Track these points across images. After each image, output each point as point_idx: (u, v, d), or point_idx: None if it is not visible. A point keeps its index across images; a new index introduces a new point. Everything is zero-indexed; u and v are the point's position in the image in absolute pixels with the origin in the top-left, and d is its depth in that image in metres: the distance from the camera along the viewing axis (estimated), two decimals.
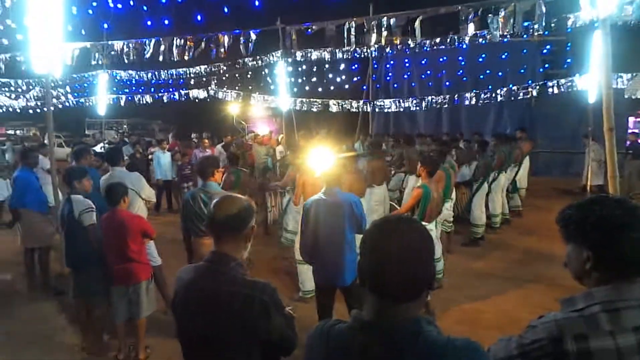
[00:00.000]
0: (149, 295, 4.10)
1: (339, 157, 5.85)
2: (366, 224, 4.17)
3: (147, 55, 6.48)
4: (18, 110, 16.78)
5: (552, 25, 6.90)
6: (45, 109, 6.56)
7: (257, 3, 5.50)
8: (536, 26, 5.01)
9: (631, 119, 17.59)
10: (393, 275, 1.16)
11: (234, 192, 6.10)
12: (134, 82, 14.40)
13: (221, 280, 1.75)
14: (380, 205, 7.10)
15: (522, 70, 14.74)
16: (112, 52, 6.51)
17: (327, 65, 15.12)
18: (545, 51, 15.16)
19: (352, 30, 5.61)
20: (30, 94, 15.49)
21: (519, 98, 10.20)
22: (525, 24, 5.53)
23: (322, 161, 5.05)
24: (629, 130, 13.90)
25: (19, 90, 15.14)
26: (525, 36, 5.73)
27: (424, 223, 4.99)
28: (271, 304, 1.74)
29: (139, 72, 13.20)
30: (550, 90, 8.89)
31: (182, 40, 6.11)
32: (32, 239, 5.71)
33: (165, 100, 13.84)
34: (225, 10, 5.62)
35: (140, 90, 15.97)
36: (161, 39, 6.18)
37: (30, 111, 16.65)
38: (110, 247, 3.98)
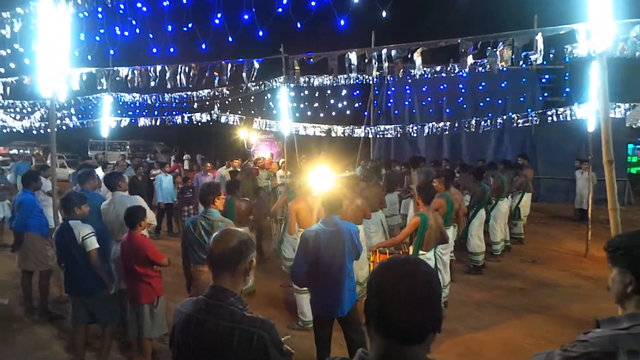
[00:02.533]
0: (153, 318, 4.13)
1: (339, 182, 5.88)
2: (362, 251, 4.16)
3: (153, 84, 6.60)
4: (22, 131, 16.94)
5: (551, 55, 7.02)
6: (49, 130, 6.64)
7: (260, 33, 5.61)
8: (534, 57, 5.11)
9: (631, 147, 17.77)
10: (400, 317, 1.15)
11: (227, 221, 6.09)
12: (137, 104, 14.58)
13: (220, 316, 1.75)
14: (376, 232, 7.06)
15: (522, 99, 14.91)
16: (117, 78, 6.63)
17: (329, 91, 15.33)
18: (544, 80, 15.38)
19: (354, 60, 5.73)
20: (35, 115, 15.66)
21: (519, 126, 10.30)
22: (524, 53, 5.65)
23: (322, 185, 5.08)
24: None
25: (24, 111, 15.32)
26: (524, 65, 5.82)
27: (421, 252, 4.97)
28: (270, 341, 1.74)
29: (142, 95, 13.38)
30: (549, 119, 8.97)
31: (187, 68, 6.23)
32: (33, 262, 5.67)
33: (168, 124, 13.99)
34: (230, 39, 5.74)
35: (144, 113, 16.16)
36: (166, 66, 6.31)
37: (34, 132, 16.80)
38: (124, 267, 4.17)
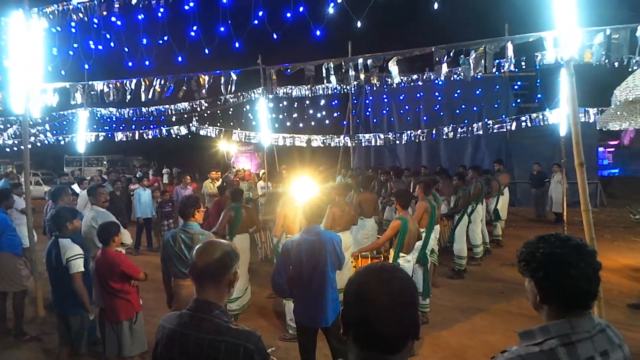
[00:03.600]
0: (133, 335, 4.04)
1: (320, 191, 5.92)
2: (344, 261, 4.17)
3: (129, 97, 6.51)
4: None
5: (522, 63, 7.24)
6: (22, 147, 6.49)
7: (237, 45, 5.62)
8: (506, 65, 5.26)
9: (601, 149, 18.36)
10: (378, 326, 1.14)
11: (235, 228, 6.09)
12: (114, 119, 14.37)
13: (205, 329, 1.73)
14: (368, 239, 7.13)
15: (496, 105, 15.29)
16: (92, 92, 6.52)
17: (307, 102, 15.41)
18: (516, 87, 15.81)
19: (331, 70, 5.79)
20: (8, 133, 15.27)
21: (495, 132, 10.55)
22: (496, 61, 5.82)
23: (303, 194, 5.11)
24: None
25: None
26: (497, 73, 5.99)
27: (402, 254, 5.02)
28: (256, 352, 1.72)
29: (119, 110, 13.20)
30: (523, 124, 9.22)
31: (163, 81, 6.18)
32: (7, 282, 5.49)
33: (146, 138, 13.80)
34: (206, 51, 5.73)
35: (121, 127, 15.93)
36: (142, 79, 6.25)
37: (7, 149, 16.36)
38: (99, 284, 4.04)
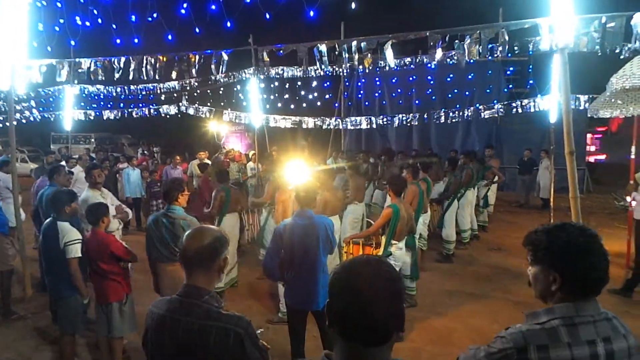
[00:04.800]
0: (122, 316, 4.06)
1: (313, 174, 5.91)
2: (336, 245, 4.19)
3: (117, 75, 6.36)
4: None
5: (515, 47, 7.19)
6: (7, 124, 6.36)
7: (229, 24, 5.49)
8: (500, 49, 5.23)
9: (589, 136, 18.51)
10: (362, 319, 1.14)
11: (225, 209, 6.09)
12: (102, 97, 14.09)
13: (195, 314, 1.73)
14: (358, 222, 7.17)
15: (488, 90, 15.27)
16: (80, 70, 6.36)
17: (299, 83, 15.23)
18: (509, 72, 15.79)
19: (324, 52, 5.71)
20: None
21: (486, 117, 10.58)
22: (490, 46, 5.79)
23: (296, 177, 5.10)
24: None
25: None
26: (490, 57, 5.95)
27: (394, 241, 5.05)
28: (246, 337, 1.73)
29: (107, 87, 12.93)
30: (514, 110, 9.24)
31: (153, 59, 6.04)
32: None
33: (135, 116, 13.57)
34: (197, 30, 5.58)
35: (109, 105, 15.63)
36: (131, 58, 6.09)
37: None
38: (90, 265, 4.04)
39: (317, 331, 4.07)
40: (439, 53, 5.09)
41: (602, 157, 27.83)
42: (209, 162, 11.07)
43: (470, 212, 8.75)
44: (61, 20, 5.96)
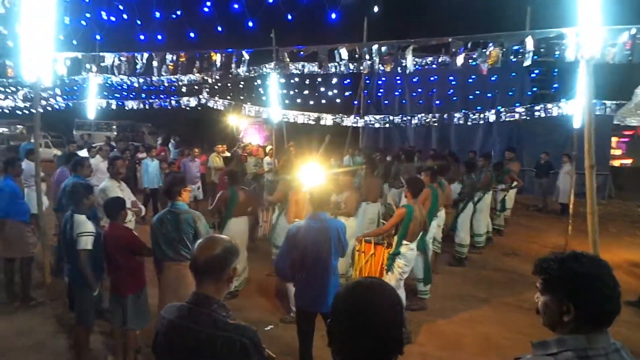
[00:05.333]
0: (137, 309, 4.13)
1: (328, 176, 5.91)
2: (348, 248, 4.20)
3: (140, 70, 6.46)
4: (7, 111, 16.55)
5: (541, 49, 7.04)
6: (33, 110, 6.50)
7: (250, 24, 5.52)
8: (523, 59, 5.14)
9: (614, 139, 18.01)
10: (363, 343, 1.17)
11: (230, 211, 6.08)
12: (125, 87, 14.33)
13: (203, 323, 1.77)
14: (373, 223, 7.17)
15: (511, 93, 15.00)
16: (103, 64, 6.48)
17: (319, 79, 15.22)
18: (533, 75, 15.44)
19: (344, 55, 5.70)
20: (19, 95, 15.30)
21: (507, 120, 10.41)
22: (515, 47, 5.69)
23: (311, 179, 5.10)
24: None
25: (8, 90, 14.94)
26: (513, 60, 5.85)
27: (405, 242, 5.03)
28: (252, 347, 1.77)
29: (130, 77, 13.13)
30: (537, 113, 9.07)
31: (175, 56, 6.11)
32: (14, 249, 5.61)
33: (155, 107, 13.78)
34: (219, 28, 5.62)
35: (132, 95, 15.88)
36: (153, 54, 6.17)
37: (19, 112, 16.43)
38: (107, 258, 4.11)
39: (325, 330, 4.09)
40: (460, 59, 5.03)
41: (629, 161, 27.10)
42: (229, 155, 11.18)
43: (487, 217, 8.65)
44: (87, 15, 6.08)
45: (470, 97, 15.38)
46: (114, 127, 28.48)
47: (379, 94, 17.63)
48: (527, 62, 5.19)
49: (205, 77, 11.57)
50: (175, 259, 3.93)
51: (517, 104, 11.79)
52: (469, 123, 10.43)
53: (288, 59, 6.58)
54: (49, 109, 15.97)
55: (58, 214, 6.03)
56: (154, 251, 4.10)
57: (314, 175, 5.24)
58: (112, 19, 6.07)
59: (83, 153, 10.64)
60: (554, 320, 1.53)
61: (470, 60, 7.59)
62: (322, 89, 16.10)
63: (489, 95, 15.30)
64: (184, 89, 14.04)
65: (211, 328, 1.76)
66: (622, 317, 1.53)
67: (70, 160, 6.63)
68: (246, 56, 6.30)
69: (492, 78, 14.73)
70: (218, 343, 1.73)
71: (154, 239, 4.04)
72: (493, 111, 9.83)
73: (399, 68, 7.43)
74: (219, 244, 1.87)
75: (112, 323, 4.31)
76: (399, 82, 16.91)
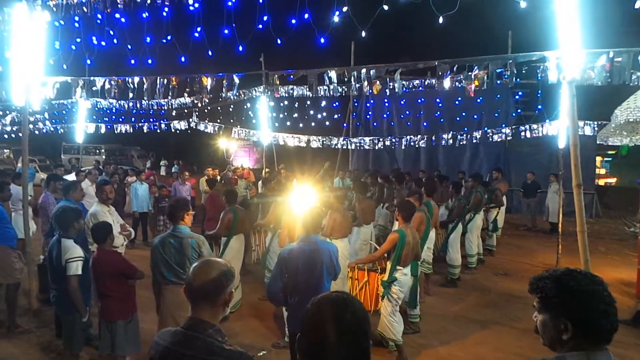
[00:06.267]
0: (127, 335, 4.04)
1: (319, 198, 5.91)
2: (340, 271, 4.18)
3: (131, 95, 6.51)
4: None
5: (523, 72, 7.25)
6: (20, 134, 6.46)
7: (240, 48, 5.62)
8: (506, 81, 5.28)
9: (598, 158, 18.38)
10: (328, 356, 1.21)
11: (233, 230, 6.06)
12: (114, 110, 14.33)
13: (198, 349, 1.75)
14: (367, 244, 7.16)
15: (497, 114, 15.32)
16: (94, 88, 6.50)
17: (308, 102, 15.39)
18: (517, 97, 15.82)
19: (333, 79, 5.81)
20: (7, 119, 15.21)
21: (493, 141, 10.60)
22: (498, 70, 5.84)
23: (302, 202, 5.09)
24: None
25: None
26: (498, 82, 5.99)
27: (399, 267, 5.01)
28: None
29: (119, 102, 13.16)
30: (522, 134, 9.25)
31: (165, 80, 6.16)
32: (0, 275, 5.50)
33: (145, 131, 13.78)
34: (209, 52, 5.72)
35: (121, 119, 15.88)
36: (144, 78, 6.22)
37: (6, 135, 16.30)
38: (96, 283, 4.03)
39: None
40: (447, 82, 5.15)
41: (613, 180, 27.61)
42: (218, 178, 11.16)
43: (478, 237, 8.69)
44: (78, 39, 6.13)
45: (457, 118, 15.66)
46: (103, 150, 28.39)
47: (368, 117, 17.88)
48: (511, 84, 5.33)
49: (196, 101, 11.69)
50: (174, 282, 3.90)
51: (503, 125, 12.03)
52: (457, 145, 10.58)
53: (278, 82, 6.67)
54: (37, 132, 15.87)
55: (48, 239, 5.94)
56: (154, 273, 4.05)
57: (305, 197, 5.24)
58: (103, 43, 6.14)
59: (71, 177, 10.56)
60: (553, 339, 1.53)
61: (456, 83, 7.78)
62: (312, 112, 16.28)
63: (476, 117, 15.60)
64: (174, 113, 14.09)
65: (206, 354, 1.73)
66: (617, 337, 1.53)
67: (49, 183, 6.59)
68: (236, 80, 6.37)
69: (478, 100, 15.05)
70: None
71: (155, 262, 4.00)
72: (480, 132, 9.99)
73: (387, 90, 7.61)
74: (214, 268, 1.86)
75: (100, 350, 4.20)
76: (387, 104, 17.18)
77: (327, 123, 16.23)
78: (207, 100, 11.92)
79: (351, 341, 1.23)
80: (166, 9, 5.24)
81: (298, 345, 1.28)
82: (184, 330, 1.80)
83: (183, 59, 5.83)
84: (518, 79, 6.16)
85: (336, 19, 5.15)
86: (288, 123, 16.12)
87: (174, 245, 3.96)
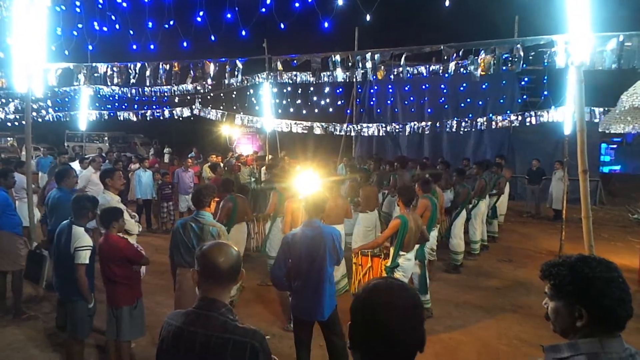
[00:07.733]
0: (132, 320, 4.08)
1: (322, 183, 5.91)
2: (343, 256, 4.18)
3: (133, 80, 6.46)
4: None
5: (530, 57, 7.15)
6: (24, 122, 6.45)
7: (243, 33, 5.54)
8: (513, 66, 5.20)
9: (604, 146, 18.25)
10: (387, 346, 1.17)
11: (233, 219, 6.06)
12: (117, 97, 14.29)
13: (212, 327, 1.77)
14: (372, 230, 7.16)
15: (502, 100, 15.16)
16: (96, 74, 6.46)
17: (312, 88, 15.31)
18: (523, 82, 15.64)
19: (337, 63, 5.73)
20: (10, 107, 15.19)
21: (498, 127, 10.50)
22: (504, 55, 5.76)
23: (305, 187, 5.09)
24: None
25: None
26: (504, 68, 5.91)
27: (402, 252, 5.01)
28: (261, 351, 1.77)
29: (122, 89, 13.11)
30: (527, 121, 9.16)
31: (168, 66, 6.11)
32: (6, 262, 5.54)
33: (148, 118, 13.74)
34: (212, 37, 5.64)
35: (124, 106, 15.83)
36: (146, 64, 6.17)
37: (9, 124, 16.30)
38: (102, 269, 4.06)
39: (323, 341, 4.07)
40: (452, 66, 5.09)
41: (617, 167, 27.46)
42: (221, 163, 11.15)
43: (482, 223, 8.68)
44: (79, 25, 6.07)
45: (462, 105, 15.52)
46: (106, 138, 28.36)
47: (371, 103, 17.75)
48: (518, 69, 5.24)
49: (199, 87, 11.63)
50: (193, 265, 3.91)
51: (508, 112, 11.91)
52: (461, 131, 10.49)
53: (281, 67, 6.60)
54: (40, 120, 15.86)
55: (44, 225, 5.94)
56: (173, 255, 4.08)
57: (308, 183, 5.23)
58: (104, 29, 6.08)
59: (75, 164, 10.57)
60: (566, 326, 1.51)
61: (462, 68, 7.70)
62: (315, 98, 16.18)
63: (480, 103, 15.45)
64: (176, 99, 14.03)
65: (221, 331, 1.75)
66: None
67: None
68: (240, 65, 6.31)
69: (483, 86, 14.90)
70: (229, 346, 1.73)
71: (175, 243, 4.05)
72: (485, 118, 9.91)
73: (391, 76, 7.53)
74: (233, 251, 1.92)
75: (106, 336, 4.24)
76: (391, 90, 17.03)
77: (331, 110, 16.15)
78: (209, 87, 11.87)
79: (409, 328, 1.20)
80: None
81: (351, 334, 1.24)
82: (197, 310, 1.83)
83: (185, 44, 5.79)
84: (524, 65, 6.06)
85: (340, 1, 5.08)
86: (291, 110, 16.05)
87: (195, 230, 4.00)
